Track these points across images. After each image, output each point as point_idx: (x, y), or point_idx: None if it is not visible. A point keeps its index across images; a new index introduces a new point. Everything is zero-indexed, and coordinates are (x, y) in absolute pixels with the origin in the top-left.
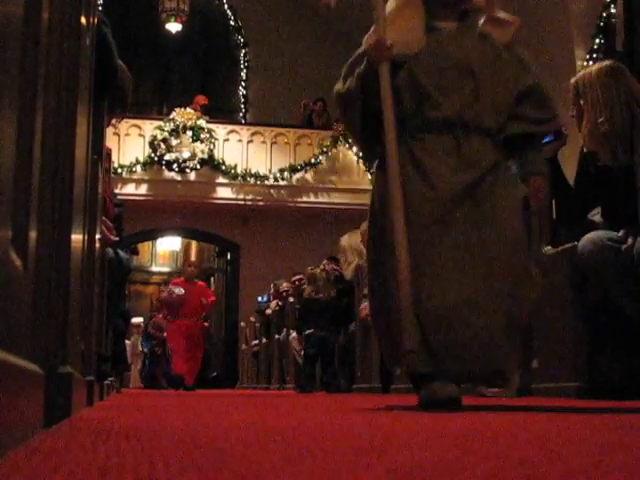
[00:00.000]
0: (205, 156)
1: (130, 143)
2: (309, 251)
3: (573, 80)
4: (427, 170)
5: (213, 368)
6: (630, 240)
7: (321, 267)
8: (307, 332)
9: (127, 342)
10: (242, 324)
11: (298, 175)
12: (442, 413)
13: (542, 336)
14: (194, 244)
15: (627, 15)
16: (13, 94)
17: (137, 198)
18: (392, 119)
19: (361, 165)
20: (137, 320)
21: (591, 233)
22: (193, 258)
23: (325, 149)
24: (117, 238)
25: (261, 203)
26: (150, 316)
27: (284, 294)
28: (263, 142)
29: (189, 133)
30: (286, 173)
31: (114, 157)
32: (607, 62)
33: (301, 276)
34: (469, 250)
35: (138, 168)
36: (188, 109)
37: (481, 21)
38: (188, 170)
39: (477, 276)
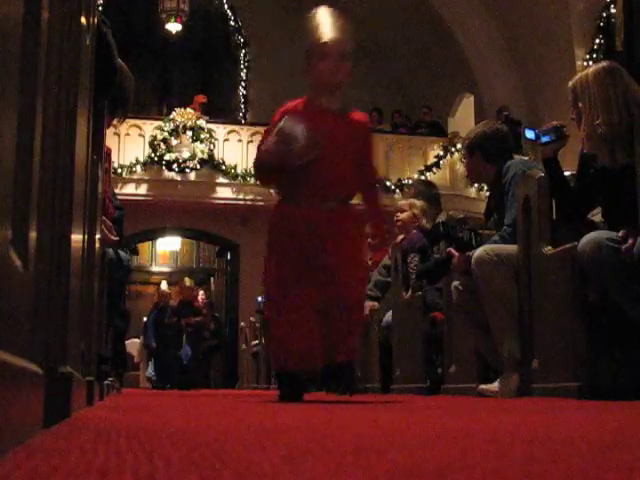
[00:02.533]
0: (205, 156)
1: (130, 143)
2: None
3: (571, 83)
4: None
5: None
6: (630, 240)
7: None
8: None
9: (137, 340)
10: (242, 324)
11: None
12: (442, 413)
13: (542, 336)
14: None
15: (627, 15)
16: (13, 94)
17: (137, 198)
18: None
19: None
20: None
21: (591, 233)
22: (331, 33)
23: None
24: (117, 238)
25: (261, 203)
26: (158, 305)
27: None
28: None
29: (189, 133)
30: None
31: (114, 157)
32: (604, 63)
33: None
34: None
35: (138, 168)
36: (188, 109)
37: None
38: (188, 170)
39: None
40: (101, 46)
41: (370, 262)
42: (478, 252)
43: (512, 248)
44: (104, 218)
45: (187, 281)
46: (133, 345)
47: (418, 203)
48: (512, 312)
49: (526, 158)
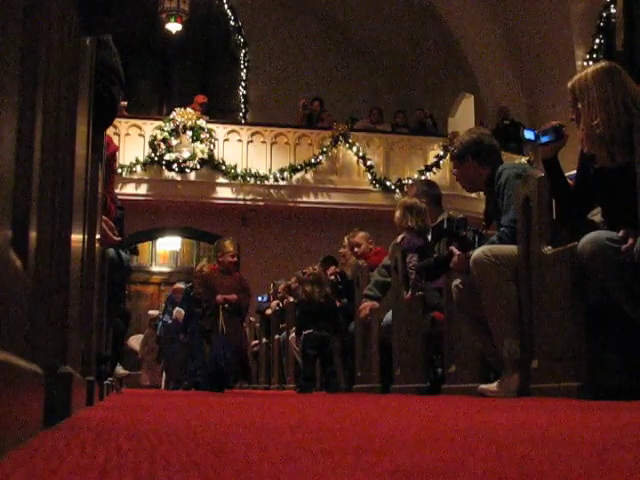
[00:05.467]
0: (205, 156)
1: (130, 143)
2: (309, 251)
3: (570, 83)
4: None
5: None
6: (630, 240)
7: (323, 269)
8: (306, 332)
9: (140, 336)
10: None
11: (298, 175)
12: (442, 413)
13: (542, 336)
14: None
15: (627, 15)
16: (13, 94)
17: (137, 198)
18: None
19: (361, 165)
20: (153, 312)
21: (591, 233)
22: None
23: (325, 149)
24: (119, 238)
25: (261, 203)
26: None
27: (281, 293)
28: (263, 142)
29: (189, 133)
30: (286, 173)
31: None
32: (603, 63)
33: (294, 279)
34: None
35: (138, 168)
36: (188, 109)
37: None
38: (188, 170)
39: None
40: (100, 48)
41: (366, 263)
42: (476, 253)
43: (510, 249)
44: (106, 218)
45: (228, 244)
46: (136, 340)
47: (404, 201)
48: (511, 312)
49: (517, 161)
